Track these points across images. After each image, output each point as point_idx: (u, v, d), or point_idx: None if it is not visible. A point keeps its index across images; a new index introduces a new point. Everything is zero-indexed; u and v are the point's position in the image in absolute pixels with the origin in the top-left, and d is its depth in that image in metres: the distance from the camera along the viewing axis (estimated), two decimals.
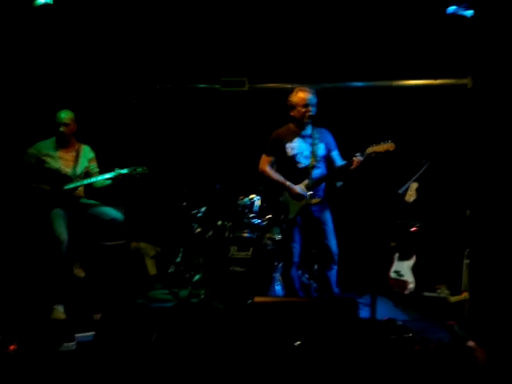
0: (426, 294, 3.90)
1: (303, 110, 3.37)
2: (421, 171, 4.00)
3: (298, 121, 3.45)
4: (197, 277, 4.16)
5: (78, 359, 2.71)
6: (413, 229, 4.01)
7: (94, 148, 3.89)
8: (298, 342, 2.40)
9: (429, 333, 3.16)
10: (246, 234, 3.96)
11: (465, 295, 3.35)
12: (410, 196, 3.91)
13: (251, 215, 4.13)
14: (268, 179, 3.55)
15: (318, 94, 3.46)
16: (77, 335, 2.92)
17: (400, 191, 4.00)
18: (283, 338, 2.42)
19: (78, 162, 3.70)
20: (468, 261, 3.59)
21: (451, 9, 3.40)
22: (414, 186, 3.94)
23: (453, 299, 3.58)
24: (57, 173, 3.62)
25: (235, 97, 4.94)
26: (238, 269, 3.82)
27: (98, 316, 3.22)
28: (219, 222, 4.25)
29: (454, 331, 2.86)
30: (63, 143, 3.71)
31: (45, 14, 3.63)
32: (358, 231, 4.30)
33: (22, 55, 4.37)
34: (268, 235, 4.05)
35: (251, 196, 4.19)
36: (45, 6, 3.47)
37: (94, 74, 4.71)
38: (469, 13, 3.48)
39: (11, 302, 3.40)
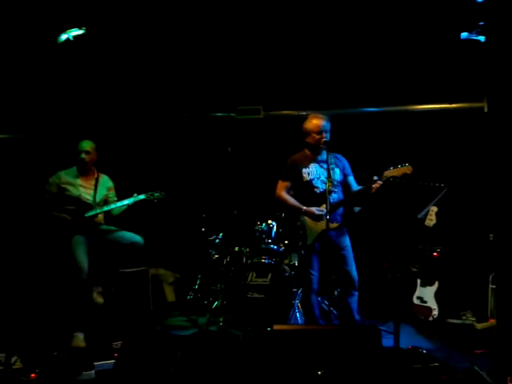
0: (451, 320, 3.79)
1: (318, 136, 3.40)
2: (440, 195, 3.95)
3: (313, 147, 3.47)
4: (215, 304, 4.13)
5: None
6: (435, 254, 3.93)
7: (112, 174, 3.97)
8: (320, 372, 2.34)
9: (455, 361, 3.04)
10: (264, 260, 3.94)
11: (491, 322, 3.25)
12: (430, 220, 3.86)
13: (268, 241, 4.12)
14: (284, 204, 3.55)
15: (333, 119, 3.50)
16: (96, 363, 2.91)
17: (419, 216, 3.95)
18: (304, 366, 2.36)
19: (97, 190, 3.77)
20: (493, 286, 3.49)
21: (464, 35, 3.43)
22: (434, 210, 3.89)
23: (479, 326, 3.47)
24: (78, 200, 3.68)
25: (251, 124, 5.03)
26: (257, 295, 3.78)
27: (117, 344, 3.20)
28: (236, 248, 4.24)
29: (478, 374, 2.72)
30: (83, 171, 3.79)
31: (67, 48, 3.84)
32: (378, 257, 4.23)
33: (48, 88, 4.56)
34: (286, 261, 4.01)
35: (268, 222, 4.19)
36: (67, 41, 3.71)
37: (112, 104, 4.87)
38: (481, 38, 3.51)
39: (32, 330, 3.42)
